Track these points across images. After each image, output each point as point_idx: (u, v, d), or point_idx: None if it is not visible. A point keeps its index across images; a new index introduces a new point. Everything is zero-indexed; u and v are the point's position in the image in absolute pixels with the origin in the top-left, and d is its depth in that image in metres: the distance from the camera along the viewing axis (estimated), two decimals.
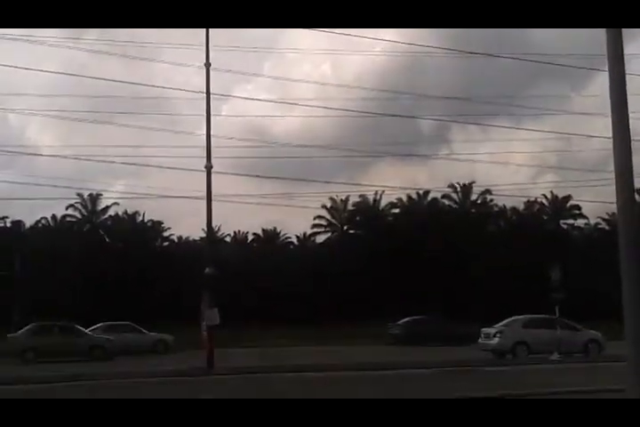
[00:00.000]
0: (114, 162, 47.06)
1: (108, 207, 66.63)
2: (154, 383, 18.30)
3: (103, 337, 29.80)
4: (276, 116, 74.46)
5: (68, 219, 67.14)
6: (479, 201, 67.99)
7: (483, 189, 66.29)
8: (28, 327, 29.87)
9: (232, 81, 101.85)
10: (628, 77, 6.20)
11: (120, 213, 67.05)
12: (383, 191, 65.50)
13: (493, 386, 15.83)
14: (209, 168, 24.33)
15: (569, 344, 25.81)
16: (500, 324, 27.77)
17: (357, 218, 68.81)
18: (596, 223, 68.23)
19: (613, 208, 6.48)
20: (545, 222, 68.27)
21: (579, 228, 69.67)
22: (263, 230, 71.26)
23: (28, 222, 65.63)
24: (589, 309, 40.10)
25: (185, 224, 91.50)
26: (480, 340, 27.70)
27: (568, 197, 66.71)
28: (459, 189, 67.63)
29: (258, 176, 63.69)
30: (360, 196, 66.98)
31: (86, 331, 30.26)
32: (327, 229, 69.71)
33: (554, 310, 26.04)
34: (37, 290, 49.08)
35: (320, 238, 70.54)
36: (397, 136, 69.30)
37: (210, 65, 24.91)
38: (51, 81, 74.96)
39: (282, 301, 56.29)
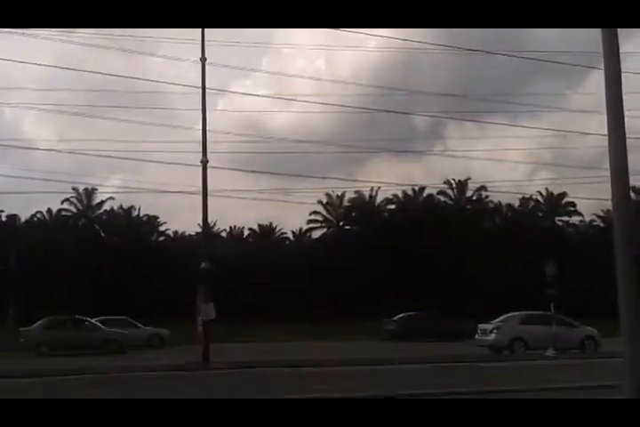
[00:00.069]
0: (109, 156, 46.97)
1: (103, 202, 66.63)
2: (152, 378, 18.48)
3: (117, 331, 30.10)
4: (273, 111, 74.33)
5: (64, 213, 67.04)
6: (474, 197, 68.11)
7: (478, 185, 66.46)
8: (41, 321, 30.14)
9: (228, 76, 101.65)
10: (623, 75, 6.22)
11: (115, 207, 67.08)
12: (379, 187, 65.64)
13: (488, 381, 15.90)
14: (205, 163, 24.31)
15: (565, 340, 25.88)
16: (497, 320, 27.84)
17: (353, 214, 68.85)
18: (591, 220, 68.44)
19: (608, 205, 6.51)
20: (540, 219, 68.41)
21: (574, 225, 69.86)
22: (259, 226, 71.36)
23: (24, 216, 65.69)
24: (585, 305, 40.21)
25: (181, 219, 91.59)
26: (477, 336, 27.77)
27: (563, 194, 66.81)
28: (454, 185, 67.72)
29: (254, 171, 63.55)
30: (356, 192, 67.09)
31: (100, 325, 30.48)
32: (323, 224, 69.75)
33: (549, 306, 26.11)
34: (32, 284, 49.02)
35: (316, 234, 70.70)
36: (393, 132, 69.38)
37: (205, 60, 24.88)
38: (46, 75, 74.72)
39: (277, 296, 56.33)
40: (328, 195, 67.45)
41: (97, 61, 63.05)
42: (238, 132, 79.87)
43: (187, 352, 24.21)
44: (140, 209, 67.38)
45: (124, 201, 66.47)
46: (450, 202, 68.40)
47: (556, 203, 68.20)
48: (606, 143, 6.13)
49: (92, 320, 30.78)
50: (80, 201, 66.36)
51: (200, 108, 24.96)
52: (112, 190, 68.45)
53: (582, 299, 44.05)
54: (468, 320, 34.19)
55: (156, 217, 68.34)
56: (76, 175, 74.43)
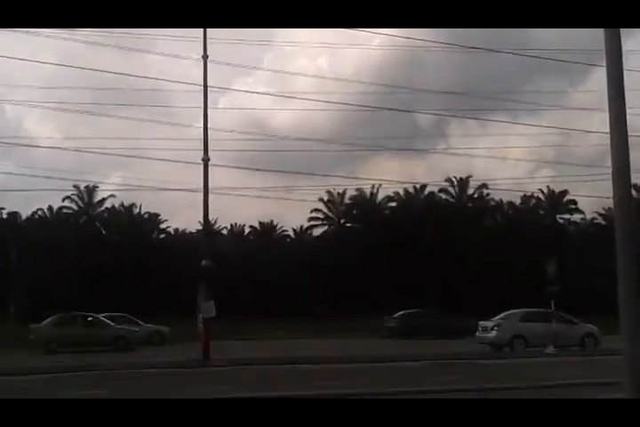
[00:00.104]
0: (111, 154, 46.93)
1: (104, 199, 66.66)
2: (153, 375, 18.60)
3: (126, 328, 30.30)
4: (274, 109, 74.25)
5: (65, 211, 67.11)
6: (476, 195, 68.08)
7: (479, 183, 66.43)
8: (51, 318, 30.26)
9: (230, 74, 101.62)
10: (625, 73, 6.21)
11: (117, 205, 67.11)
12: (380, 185, 65.56)
13: (489, 379, 15.91)
14: (206, 161, 24.33)
15: (565, 338, 25.90)
16: (498, 317, 27.85)
17: (354, 211, 68.86)
18: (593, 218, 68.44)
19: (610, 203, 6.50)
20: (541, 217, 68.39)
21: (575, 223, 69.85)
22: (260, 223, 71.34)
23: (25, 214, 65.75)
24: (586, 303, 40.18)
25: (182, 217, 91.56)
26: (477, 333, 27.80)
27: (564, 192, 66.76)
28: (455, 183, 67.71)
29: (255, 169, 63.69)
30: (357, 189, 67.13)
31: (109, 322, 30.59)
32: (324, 222, 69.78)
33: (549, 303, 26.13)
34: (33, 282, 49.08)
35: (317, 232, 70.73)
36: (395, 130, 69.29)
37: (207, 57, 24.88)
38: (48, 73, 74.65)
39: (278, 294, 56.35)
40: (329, 192, 67.52)
41: (99, 59, 63.11)
42: (240, 130, 79.73)
43: (187, 350, 24.27)
44: (141, 207, 67.52)
45: (126, 199, 66.62)
46: (451, 200, 68.39)
47: (557, 201, 68.18)
48: (608, 141, 6.12)
49: (102, 317, 30.88)
50: (81, 199, 66.41)
51: (201, 105, 24.99)
52: (113, 188, 68.43)
53: (583, 296, 44.05)
54: (468, 318, 34.19)
55: (157, 215, 68.41)
56: (78, 173, 74.22)
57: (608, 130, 6.13)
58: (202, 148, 24.49)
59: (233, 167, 61.95)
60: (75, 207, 66.80)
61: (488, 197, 67.51)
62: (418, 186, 67.16)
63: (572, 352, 25.25)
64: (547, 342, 25.27)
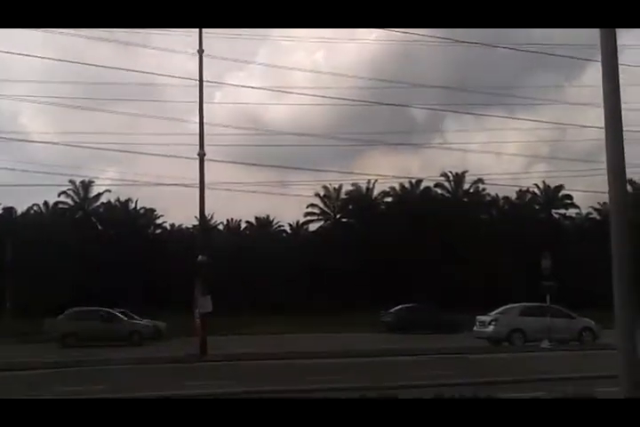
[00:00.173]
0: (106, 149, 46.89)
1: (100, 194, 66.60)
2: (151, 370, 18.76)
3: (140, 323, 30.58)
4: (270, 103, 74.19)
5: (60, 206, 67.01)
6: (471, 190, 68.16)
7: (475, 178, 66.52)
8: (66, 312, 30.44)
9: (226, 68, 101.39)
10: (620, 68, 6.23)
11: (112, 200, 67.07)
12: (376, 180, 65.67)
13: (485, 373, 15.96)
14: (202, 156, 24.26)
15: (563, 332, 25.95)
16: (496, 311, 27.87)
17: (350, 206, 68.88)
18: (588, 213, 68.60)
19: (605, 198, 6.51)
20: (537, 212, 68.51)
21: (570, 217, 69.98)
22: (256, 218, 71.35)
23: (20, 209, 65.63)
24: (584, 297, 40.27)
25: (178, 212, 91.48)
26: (475, 328, 27.82)
27: (560, 187, 66.92)
28: (451, 178, 67.77)
29: (251, 164, 63.57)
30: (353, 184, 67.17)
31: (124, 317, 30.73)
32: (320, 217, 69.80)
33: (545, 298, 26.17)
34: (29, 277, 49.01)
35: (313, 227, 70.76)
36: (391, 125, 69.38)
37: (203, 52, 24.77)
38: (42, 67, 74.51)
39: (275, 288, 56.43)
40: (325, 187, 67.63)
41: (92, 54, 62.95)
42: (236, 125, 79.53)
43: (185, 345, 24.32)
44: (136, 202, 67.51)
45: (121, 194, 66.60)
46: (447, 195, 68.44)
47: (552, 195, 68.30)
48: (603, 136, 6.13)
49: (117, 312, 30.99)
50: (77, 194, 66.32)
51: (197, 100, 24.92)
52: (109, 183, 68.43)
53: (581, 291, 44.16)
54: (464, 312, 34.29)
55: (152, 210, 68.41)
56: (73, 168, 74.34)
57: (603, 125, 6.15)
58: (197, 142, 24.44)
59: (229, 162, 61.96)
60: (70, 202, 66.72)
61: (484, 192, 67.71)
62: (414, 181, 67.34)
63: (568, 347, 25.30)
64: (545, 337, 25.32)
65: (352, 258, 58.49)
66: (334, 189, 68.08)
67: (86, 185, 65.53)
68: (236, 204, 76.12)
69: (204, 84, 25.05)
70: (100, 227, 66.49)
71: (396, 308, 39.48)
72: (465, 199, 67.97)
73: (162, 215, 69.03)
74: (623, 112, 6.14)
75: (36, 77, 67.31)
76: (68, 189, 65.04)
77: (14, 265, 43.75)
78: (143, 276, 55.61)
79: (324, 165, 79.24)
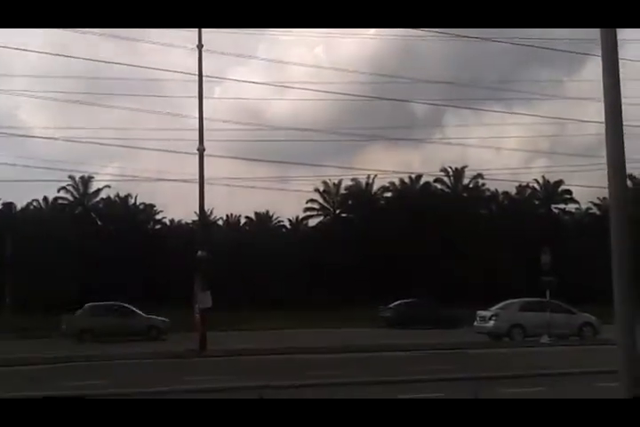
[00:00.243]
0: (106, 144, 46.83)
1: (99, 190, 66.54)
2: (150, 365, 18.87)
3: (159, 318, 30.55)
4: (270, 98, 74.05)
5: (60, 201, 66.96)
6: (471, 185, 68.13)
7: (475, 173, 66.47)
8: (84, 308, 30.48)
9: (226, 63, 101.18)
10: (620, 62, 6.20)
11: (112, 195, 67.02)
12: (375, 175, 65.61)
13: (483, 368, 15.98)
14: (201, 151, 24.24)
15: (563, 327, 25.98)
16: (496, 307, 27.90)
17: (350, 202, 68.87)
18: (587, 208, 68.56)
19: (605, 193, 6.52)
20: (536, 207, 68.51)
21: (570, 212, 70.00)
22: (256, 214, 71.30)
23: (20, 205, 65.58)
24: (584, 293, 40.29)
25: (177, 207, 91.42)
26: (476, 323, 27.87)
27: (560, 182, 66.91)
28: (451, 173, 67.74)
29: (251, 159, 63.52)
30: (353, 179, 67.10)
31: (141, 312, 30.79)
32: (319, 212, 69.78)
33: (545, 293, 26.18)
34: (29, 272, 49.01)
35: (312, 222, 70.74)
36: (391, 120, 69.20)
37: (202, 46, 24.75)
38: (42, 62, 74.30)
39: (275, 284, 56.46)
40: (325, 183, 67.55)
41: (93, 49, 62.81)
42: (236, 120, 79.42)
43: (185, 340, 24.35)
44: (136, 197, 67.43)
45: (121, 189, 66.52)
46: (447, 190, 68.42)
47: (552, 191, 68.29)
48: (603, 131, 6.10)
49: (134, 308, 31.04)
50: (76, 189, 66.27)
51: (197, 95, 24.88)
52: (108, 179, 68.40)
53: (580, 286, 44.17)
54: (463, 307, 34.32)
55: (152, 205, 68.34)
56: (73, 163, 74.23)
57: (603, 119, 6.12)
58: (197, 138, 24.42)
59: (229, 157, 61.77)
60: (70, 198, 66.67)
61: (483, 187, 67.65)
62: (413, 176, 67.29)
63: (568, 342, 25.33)
64: (545, 332, 25.35)
65: (352, 253, 58.50)
66: (334, 184, 68.11)
67: (86, 180, 65.51)
68: (235, 199, 76.15)
69: (204, 79, 25.04)
70: (99, 222, 66.47)
71: (396, 303, 39.50)
72: (464, 194, 67.95)
73: (161, 211, 69.06)
74: (623, 107, 6.12)
75: (35, 72, 67.09)
76: (68, 185, 65.05)
77: (14, 261, 43.81)
78: (143, 271, 55.63)
79: (324, 161, 79.12)
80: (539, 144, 76.88)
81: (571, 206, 69.24)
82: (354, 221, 66.60)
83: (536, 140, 72.29)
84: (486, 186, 67.13)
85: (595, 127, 36.16)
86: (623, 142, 6.06)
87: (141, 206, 68.22)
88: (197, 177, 24.26)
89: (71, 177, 63.44)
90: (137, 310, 30.78)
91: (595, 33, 6.16)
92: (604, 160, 6.10)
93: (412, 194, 66.73)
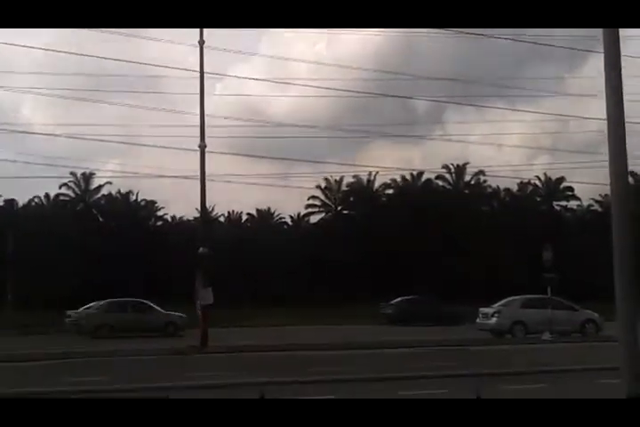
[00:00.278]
0: (107, 141, 46.82)
1: (101, 186, 66.49)
2: (151, 361, 18.86)
3: (176, 314, 30.53)
4: (271, 95, 73.95)
5: (62, 198, 66.97)
6: (473, 182, 68.07)
7: (476, 170, 66.40)
8: (101, 304, 30.54)
9: (227, 60, 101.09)
10: (623, 59, 6.19)
11: (113, 192, 66.96)
12: (377, 172, 65.55)
13: (485, 365, 15.98)
14: (203, 147, 24.23)
15: (565, 324, 25.97)
16: (498, 304, 27.90)
17: (351, 198, 68.85)
18: (589, 205, 68.50)
19: (606, 190, 6.49)
20: (538, 204, 68.47)
21: (571, 209, 69.96)
22: (257, 210, 71.29)
23: (21, 201, 65.62)
24: (586, 289, 40.29)
25: (179, 204, 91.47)
26: (478, 320, 27.89)
27: (561, 179, 66.84)
28: (453, 170, 67.65)
29: (252, 156, 63.49)
30: (354, 176, 67.05)
31: (159, 308, 30.79)
32: (321, 209, 69.76)
33: (546, 290, 26.18)
34: (30, 269, 49.06)
35: (314, 219, 70.70)
36: (393, 117, 69.16)
37: (204, 43, 24.71)
38: (44, 59, 74.22)
39: (277, 280, 56.47)
40: (326, 179, 67.52)
41: (95, 45, 62.76)
42: (237, 117, 79.40)
43: (188, 336, 24.36)
44: (137, 194, 67.40)
45: (122, 186, 66.46)
46: (448, 187, 68.38)
47: (554, 187, 68.23)
48: (605, 127, 6.10)
49: (152, 304, 31.05)
50: (78, 186, 66.26)
51: (198, 92, 24.86)
52: (110, 175, 68.21)
53: (582, 283, 44.17)
54: (465, 304, 34.32)
55: (153, 202, 68.34)
56: (74, 160, 74.11)
57: (605, 116, 6.12)
58: (198, 134, 24.40)
59: (230, 154, 61.93)
60: (71, 194, 66.67)
61: (485, 184, 67.55)
62: (415, 173, 67.21)
63: (570, 339, 25.33)
64: (547, 329, 25.35)
65: (353, 250, 58.49)
66: (335, 180, 68.10)
67: (87, 177, 65.48)
68: (237, 196, 76.04)
69: (205, 75, 25.01)
70: (101, 219, 66.47)
71: (397, 300, 39.48)
72: (466, 191, 67.88)
73: (163, 207, 69.08)
74: (625, 104, 6.11)
75: (37, 69, 67.13)
76: (69, 181, 65.03)
77: (15, 257, 43.82)
78: (144, 268, 55.63)
79: (325, 157, 79.14)
80: (540, 141, 76.76)
81: (572, 203, 69.27)
82: (355, 218, 66.58)
83: (538, 137, 72.30)
84: (488, 183, 67.12)
85: (597, 124, 36.12)
86: (625, 139, 6.06)
87: (143, 203, 68.22)
88: (199, 174, 24.27)
89: (73, 174, 63.50)
90: (155, 307, 30.82)
91: (597, 30, 6.16)
92: (606, 157, 6.11)
93: (413, 191, 66.70)
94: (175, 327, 29.60)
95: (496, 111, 78.48)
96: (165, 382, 12.38)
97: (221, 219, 70.72)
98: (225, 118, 76.55)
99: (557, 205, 69.29)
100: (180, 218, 69.58)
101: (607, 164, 6.07)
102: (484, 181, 67.02)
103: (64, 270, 52.13)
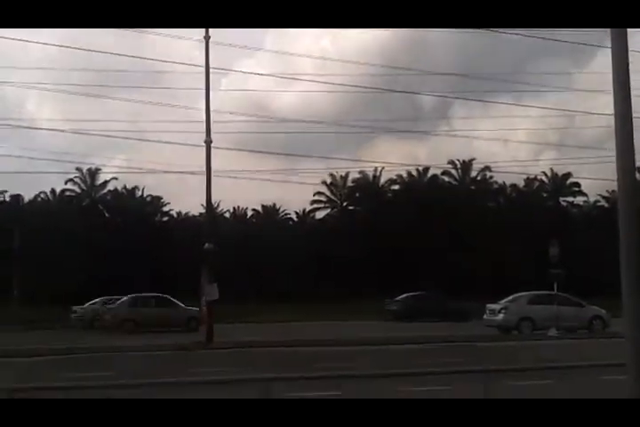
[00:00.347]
0: (113, 136, 46.87)
1: (107, 182, 66.67)
2: (155, 357, 18.91)
3: (196, 309, 30.43)
4: (277, 90, 73.91)
5: (68, 193, 67.17)
6: (479, 178, 67.96)
7: (482, 165, 66.28)
8: (124, 299, 30.91)
9: (232, 55, 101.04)
10: (630, 54, 6.14)
11: (119, 188, 67.15)
12: (383, 168, 65.50)
13: (492, 361, 15.94)
14: (208, 143, 24.24)
15: (572, 320, 25.93)
16: (505, 300, 27.87)
17: (357, 194, 68.81)
18: (596, 201, 68.36)
19: (613, 186, 6.46)
20: (544, 200, 68.33)
21: (578, 205, 69.81)
22: (263, 206, 71.33)
23: (27, 197, 65.79)
24: (593, 285, 40.21)
25: (184, 200, 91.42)
26: (485, 316, 27.87)
27: (568, 175, 66.69)
28: (459, 165, 67.60)
29: (258, 152, 63.47)
30: (360, 172, 67.01)
31: (181, 304, 30.94)
32: (327, 205, 69.77)
33: (553, 286, 26.14)
34: (36, 264, 49.18)
35: (320, 215, 70.76)
36: (398, 112, 69.07)
37: (209, 38, 24.70)
38: (48, 54, 74.32)
39: (282, 276, 56.54)
40: (332, 175, 67.51)
41: (101, 40, 62.69)
42: (242, 112, 79.29)
43: (194, 332, 24.37)
44: (143, 189, 67.59)
45: (128, 181, 66.64)
46: (454, 182, 68.28)
47: (560, 183, 68.09)
48: (612, 123, 6.06)
49: (174, 299, 31.19)
50: (84, 181, 66.44)
51: (204, 87, 24.84)
52: (116, 171, 68.53)
53: (589, 279, 44.09)
54: (471, 300, 34.29)
55: (159, 197, 68.48)
56: (80, 155, 74.24)
57: (612, 112, 6.08)
58: (204, 130, 24.40)
59: (236, 150, 61.78)
60: (77, 190, 66.89)
61: (491, 180, 67.49)
62: (421, 169, 67.21)
63: (577, 335, 25.27)
64: (554, 325, 25.31)
65: (359, 246, 58.48)
66: (341, 176, 68.08)
67: (93, 173, 65.66)
68: (242, 191, 76.05)
69: (211, 70, 25.01)
70: (106, 214, 66.63)
71: (403, 296, 39.45)
72: (472, 187, 67.80)
73: (168, 203, 69.23)
74: (633, 99, 6.06)
75: (42, 65, 67.14)
76: (75, 177, 65.25)
77: (21, 253, 43.93)
78: (150, 263, 55.75)
79: (331, 153, 79.02)
80: (547, 136, 76.63)
81: (579, 199, 69.19)
82: (361, 214, 66.54)
83: (544, 133, 72.06)
84: (494, 179, 67.12)
85: (604, 119, 35.97)
86: (632, 135, 6.01)
87: (148, 198, 68.37)
88: (204, 169, 24.29)
89: (78, 169, 63.70)
90: (177, 302, 30.97)
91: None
92: (613, 153, 6.05)
93: (419, 187, 66.63)
94: (197, 322, 29.62)
95: (502, 107, 78.63)
96: (169, 378, 12.36)
97: (227, 215, 70.84)
98: (230, 114, 76.34)
99: (564, 200, 69.17)
100: (186, 214, 69.75)
101: (614, 159, 6.02)
102: (491, 177, 67.05)
103: (70, 266, 52.28)
